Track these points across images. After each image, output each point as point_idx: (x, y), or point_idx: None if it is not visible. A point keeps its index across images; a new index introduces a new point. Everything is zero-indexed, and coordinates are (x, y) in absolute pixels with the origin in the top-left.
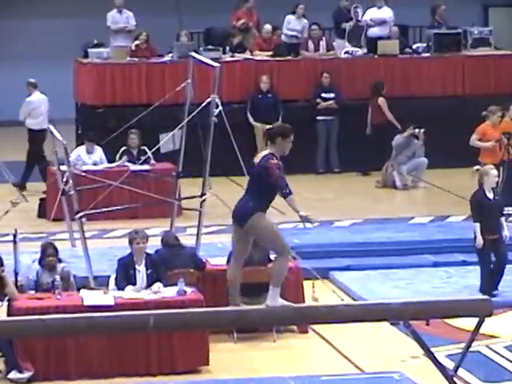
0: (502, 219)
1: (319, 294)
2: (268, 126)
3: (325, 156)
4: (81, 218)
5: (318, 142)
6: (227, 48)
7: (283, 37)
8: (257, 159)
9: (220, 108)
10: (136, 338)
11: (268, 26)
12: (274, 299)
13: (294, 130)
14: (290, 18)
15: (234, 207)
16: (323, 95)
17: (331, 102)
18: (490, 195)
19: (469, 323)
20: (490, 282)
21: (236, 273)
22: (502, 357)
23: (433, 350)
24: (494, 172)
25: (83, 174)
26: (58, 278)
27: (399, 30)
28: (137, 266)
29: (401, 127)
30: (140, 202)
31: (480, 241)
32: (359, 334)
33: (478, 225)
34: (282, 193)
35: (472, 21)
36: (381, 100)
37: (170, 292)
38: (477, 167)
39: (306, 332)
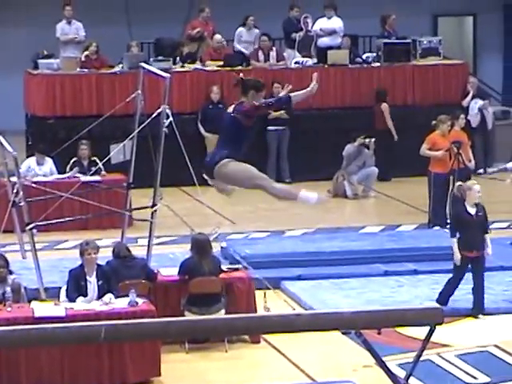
0: (487, 236)
1: (271, 303)
2: (241, 76)
3: (276, 166)
4: (31, 229)
5: (269, 151)
6: (177, 58)
7: (236, 49)
8: (230, 108)
9: (170, 119)
10: (87, 349)
11: (218, 36)
12: (308, 196)
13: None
14: (240, 30)
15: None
16: None
17: (282, 111)
18: (472, 211)
19: (420, 332)
20: (447, 296)
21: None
22: (453, 365)
23: (384, 358)
24: (477, 187)
25: (33, 185)
26: (8, 289)
27: (349, 40)
28: (88, 278)
29: (350, 137)
30: (91, 212)
31: (457, 256)
32: (311, 344)
33: (454, 240)
34: (284, 100)
35: (421, 30)
36: (384, 106)
37: (121, 303)
38: (459, 183)
39: (258, 342)
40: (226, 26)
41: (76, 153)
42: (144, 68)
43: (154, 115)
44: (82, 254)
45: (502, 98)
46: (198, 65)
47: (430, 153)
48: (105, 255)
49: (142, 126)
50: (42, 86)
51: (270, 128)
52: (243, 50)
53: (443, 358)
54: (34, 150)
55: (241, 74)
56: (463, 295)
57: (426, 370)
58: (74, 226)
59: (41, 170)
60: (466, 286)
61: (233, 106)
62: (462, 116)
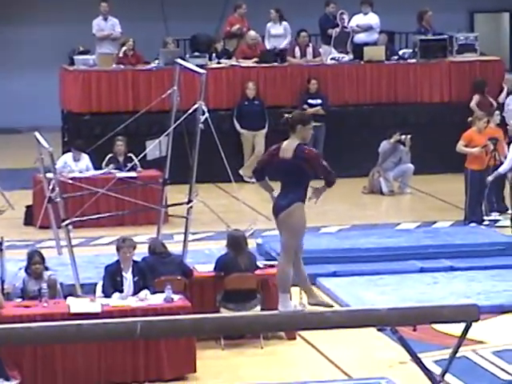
0: None
1: (307, 300)
2: (287, 115)
3: None
4: (67, 225)
5: None
6: (213, 55)
7: (267, 45)
8: (287, 153)
9: (206, 115)
10: (123, 345)
11: (253, 33)
12: (283, 305)
13: (284, 135)
14: (269, 25)
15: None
16: (310, 101)
17: (318, 108)
18: None
19: (456, 329)
20: None
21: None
22: (490, 362)
23: (420, 355)
24: None
25: (69, 181)
26: (44, 285)
27: (386, 36)
28: (124, 274)
29: (387, 133)
30: (127, 209)
31: None
32: (346, 340)
33: None
34: (332, 180)
35: (458, 27)
36: (475, 97)
37: (157, 299)
38: None
39: (294, 338)
40: (261, 22)
41: (112, 149)
42: (180, 64)
43: (189, 111)
44: (118, 250)
45: None
46: (233, 61)
47: (467, 149)
48: (141, 251)
49: (178, 122)
50: (78, 82)
51: None
52: (276, 40)
53: (479, 355)
54: (70, 146)
55: (286, 115)
56: (499, 292)
57: (461, 366)
58: (109, 222)
59: (77, 166)
60: (501, 283)
61: (292, 149)
62: (497, 112)
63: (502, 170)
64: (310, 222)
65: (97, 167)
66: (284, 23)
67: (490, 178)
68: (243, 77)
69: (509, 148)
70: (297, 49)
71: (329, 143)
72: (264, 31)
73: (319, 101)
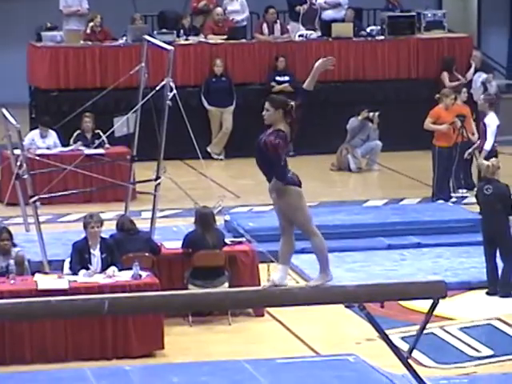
0: None
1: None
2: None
3: None
4: (35, 202)
5: None
6: (181, 31)
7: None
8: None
9: (174, 91)
10: (91, 321)
11: (220, 9)
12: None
13: (249, 113)
14: (226, 2)
15: None
16: (278, 78)
17: (286, 84)
18: None
19: (423, 305)
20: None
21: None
22: (457, 338)
23: (387, 332)
24: None
25: (37, 157)
26: (12, 262)
27: (353, 13)
28: (92, 250)
29: (355, 110)
30: (94, 185)
31: None
32: (314, 317)
33: None
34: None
35: (426, 4)
36: (443, 75)
37: (124, 276)
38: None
39: (262, 315)
40: None
41: (80, 125)
42: (148, 41)
43: (157, 88)
44: (85, 227)
45: (506, 72)
46: (201, 38)
47: (434, 126)
48: (108, 228)
49: (146, 98)
50: (46, 59)
51: None
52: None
53: (446, 331)
54: (38, 122)
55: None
56: (466, 269)
57: (428, 343)
58: (77, 198)
59: (44, 142)
60: (468, 260)
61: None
62: (464, 90)
63: (487, 147)
64: None
65: (64, 144)
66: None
67: (467, 155)
68: (211, 53)
69: (478, 125)
70: (264, 25)
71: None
72: None
73: (287, 78)
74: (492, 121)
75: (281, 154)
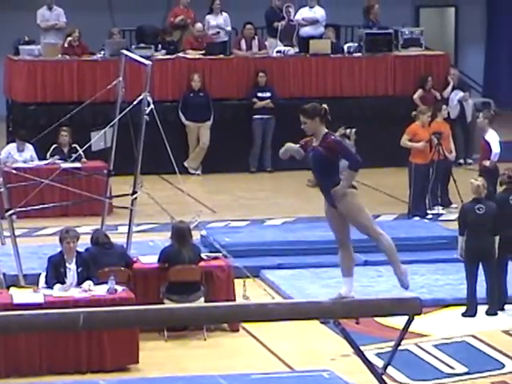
0: None
1: (250, 292)
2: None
3: (259, 154)
4: (11, 215)
5: (254, 140)
6: (159, 46)
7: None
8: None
9: (152, 106)
10: (66, 336)
11: (200, 25)
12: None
13: (226, 128)
14: (208, 17)
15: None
16: (259, 94)
17: (268, 101)
18: None
19: (398, 322)
20: None
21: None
22: (431, 355)
23: (362, 348)
24: None
25: (14, 171)
26: None
27: (334, 31)
28: (67, 264)
29: (332, 127)
30: (71, 199)
31: None
32: (289, 333)
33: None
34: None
35: (403, 21)
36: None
37: (100, 290)
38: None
39: (237, 330)
40: (205, 13)
41: (57, 139)
42: (125, 55)
43: (135, 103)
44: (61, 241)
45: (482, 90)
46: (179, 53)
47: (411, 144)
48: (84, 242)
49: (123, 113)
50: (23, 72)
51: (255, 117)
52: (216, 31)
53: (421, 348)
54: (15, 136)
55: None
56: (441, 286)
57: (403, 359)
58: (53, 212)
59: (21, 156)
60: (443, 277)
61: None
62: (445, 107)
63: (495, 158)
64: (255, 214)
65: (41, 157)
66: (224, 14)
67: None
68: (189, 68)
69: (471, 141)
70: (243, 41)
71: (277, 136)
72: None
73: (268, 94)
74: (493, 137)
75: (345, 145)
